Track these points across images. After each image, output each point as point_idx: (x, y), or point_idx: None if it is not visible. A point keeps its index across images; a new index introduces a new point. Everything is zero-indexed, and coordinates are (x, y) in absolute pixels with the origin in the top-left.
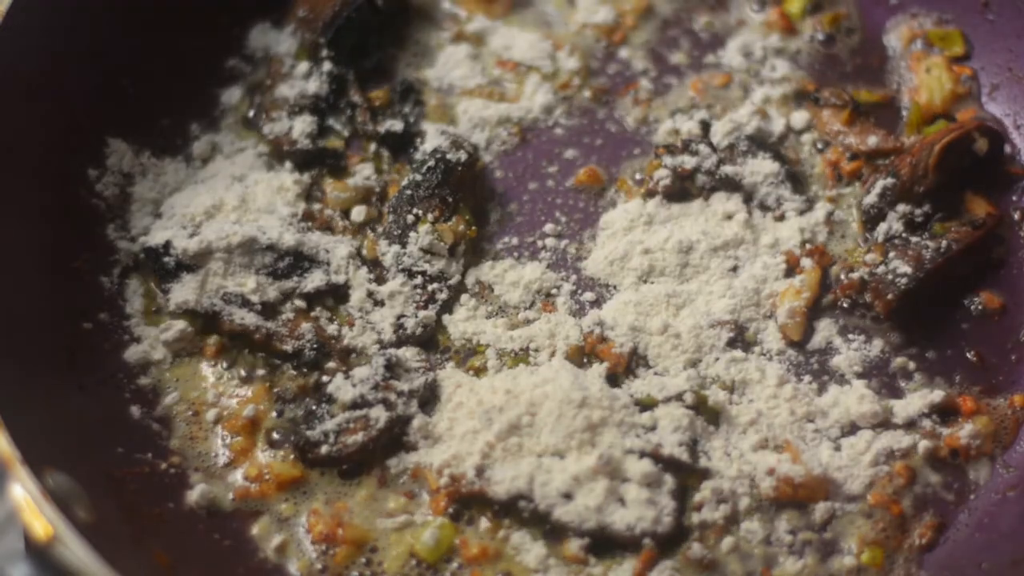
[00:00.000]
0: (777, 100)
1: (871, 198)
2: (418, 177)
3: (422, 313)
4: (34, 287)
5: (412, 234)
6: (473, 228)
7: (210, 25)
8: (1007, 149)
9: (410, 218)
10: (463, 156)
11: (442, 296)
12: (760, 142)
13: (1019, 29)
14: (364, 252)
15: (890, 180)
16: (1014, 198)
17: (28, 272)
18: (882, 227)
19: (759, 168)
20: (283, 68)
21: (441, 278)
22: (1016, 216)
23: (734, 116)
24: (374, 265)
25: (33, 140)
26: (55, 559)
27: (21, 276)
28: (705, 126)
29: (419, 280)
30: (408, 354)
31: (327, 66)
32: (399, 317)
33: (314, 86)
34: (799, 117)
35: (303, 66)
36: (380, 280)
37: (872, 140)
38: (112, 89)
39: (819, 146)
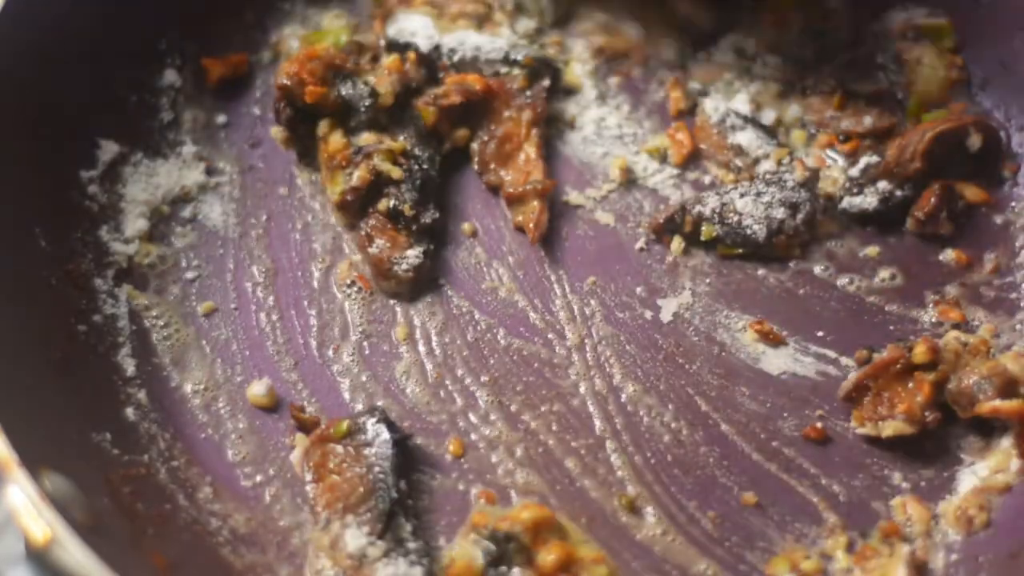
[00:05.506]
0: (771, 93)
1: (854, 171)
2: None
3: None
4: (28, 290)
5: None
6: None
7: (201, 27)
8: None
9: None
10: None
11: None
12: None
13: (1010, 22)
14: None
15: (875, 158)
16: (1013, 204)
17: (22, 275)
18: (856, 200)
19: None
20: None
21: None
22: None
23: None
24: None
25: (24, 142)
26: (54, 561)
27: (14, 279)
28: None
29: None
30: None
31: None
32: None
33: None
34: (791, 109)
35: None
36: None
37: (868, 120)
38: (103, 91)
39: (812, 131)
